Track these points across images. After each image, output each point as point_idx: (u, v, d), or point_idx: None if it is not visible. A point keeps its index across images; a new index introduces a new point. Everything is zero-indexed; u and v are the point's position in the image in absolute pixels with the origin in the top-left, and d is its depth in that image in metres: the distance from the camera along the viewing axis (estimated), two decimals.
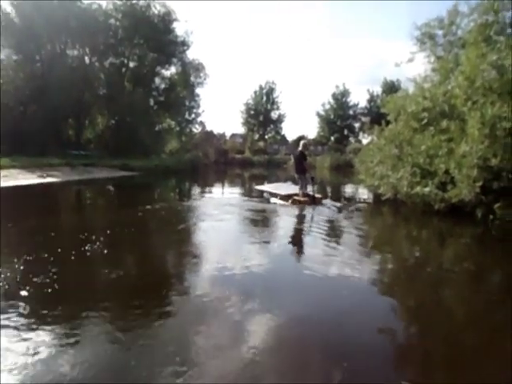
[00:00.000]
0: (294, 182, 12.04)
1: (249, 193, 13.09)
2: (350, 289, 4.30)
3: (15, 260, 4.66)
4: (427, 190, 9.01)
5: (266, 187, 13.67)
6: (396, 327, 3.39)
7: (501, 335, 3.26)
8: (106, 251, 5.51)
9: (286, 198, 11.34)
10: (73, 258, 5.08)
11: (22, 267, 4.48)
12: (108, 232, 6.78)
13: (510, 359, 2.76)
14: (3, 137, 24.28)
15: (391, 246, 6.94)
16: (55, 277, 4.16)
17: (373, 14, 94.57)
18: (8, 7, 26.41)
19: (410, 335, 3.37)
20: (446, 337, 3.19)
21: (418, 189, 9.28)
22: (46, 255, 4.99)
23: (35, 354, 2.61)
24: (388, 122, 12.38)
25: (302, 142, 11.75)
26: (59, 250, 5.35)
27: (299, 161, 11.11)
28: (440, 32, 10.83)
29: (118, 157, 25.12)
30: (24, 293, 3.66)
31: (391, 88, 47.73)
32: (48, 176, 16.25)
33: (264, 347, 2.80)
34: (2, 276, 4.14)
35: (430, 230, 8.64)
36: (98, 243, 5.76)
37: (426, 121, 9.91)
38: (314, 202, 10.66)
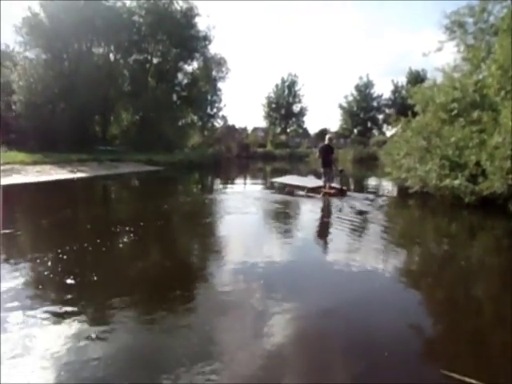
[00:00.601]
0: (316, 176, 11.98)
1: (271, 186, 13.12)
2: (377, 282, 4.29)
3: (54, 250, 4.90)
4: (457, 182, 8.82)
5: (288, 179, 13.65)
6: (423, 322, 3.36)
7: None
8: (135, 244, 5.69)
9: (312, 190, 11.39)
10: (105, 248, 5.30)
11: (61, 257, 4.70)
12: (137, 225, 6.99)
13: None
14: (34, 134, 25.22)
15: (421, 239, 6.85)
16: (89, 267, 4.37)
17: (396, 4, 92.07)
18: (36, 7, 27.25)
19: (437, 331, 3.32)
20: (474, 333, 3.16)
21: (447, 181, 9.10)
22: (79, 246, 5.22)
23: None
24: (414, 114, 12.13)
25: (327, 136, 11.88)
26: (97, 240, 5.58)
27: (326, 154, 11.18)
28: (470, 20, 10.50)
29: (143, 152, 25.59)
30: (70, 281, 3.87)
31: (416, 78, 46.55)
32: (78, 171, 16.78)
33: (286, 341, 2.82)
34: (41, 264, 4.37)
35: (460, 223, 8.48)
36: (128, 236, 5.96)
37: (455, 112, 9.67)
38: (341, 193, 10.83)
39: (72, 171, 16.63)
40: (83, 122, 28.21)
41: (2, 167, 14.89)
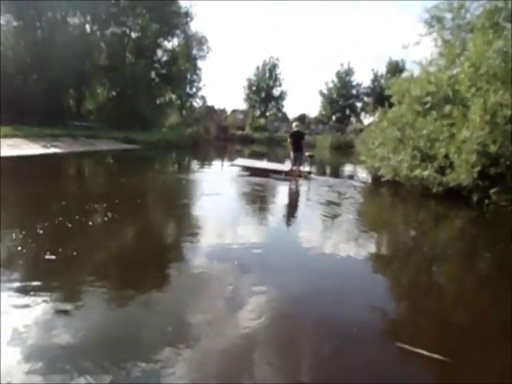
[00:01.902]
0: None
1: (246, 169, 13.40)
2: (345, 266, 4.55)
3: (27, 227, 4.91)
4: (426, 173, 9.25)
5: (248, 163, 14.99)
6: (388, 305, 3.61)
7: (490, 311, 3.59)
8: (108, 222, 5.75)
9: (286, 173, 12.07)
10: (78, 226, 5.35)
11: (35, 233, 4.73)
12: (112, 203, 7.01)
13: (495, 332, 3.08)
14: (4, 106, 24.18)
15: (388, 226, 7.26)
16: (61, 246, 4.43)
17: None
18: None
19: (400, 312, 3.59)
20: (435, 313, 3.44)
21: (417, 172, 9.52)
22: (52, 223, 5.26)
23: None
24: (391, 104, 12.48)
25: (294, 124, 12.90)
26: (71, 217, 5.60)
27: (297, 139, 11.89)
28: (449, 15, 10.80)
29: (119, 129, 25.06)
30: (49, 256, 3.93)
31: (396, 68, 47.30)
32: (51, 146, 16.33)
33: (259, 323, 2.94)
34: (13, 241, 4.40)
35: (427, 211, 8.96)
36: (102, 214, 6.00)
37: (429, 105, 10.05)
38: (306, 177, 11.96)
39: (45, 146, 16.17)
40: (57, 94, 27.23)
41: None
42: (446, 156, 9.13)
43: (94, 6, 28.24)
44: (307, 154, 12.95)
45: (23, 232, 4.69)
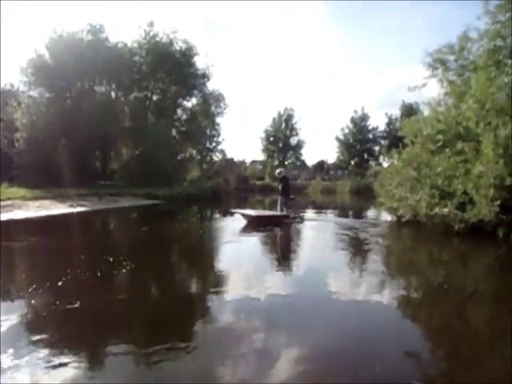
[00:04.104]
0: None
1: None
2: (374, 314, 4.30)
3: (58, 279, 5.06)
4: (446, 210, 9.08)
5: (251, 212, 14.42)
6: (421, 351, 3.37)
7: None
8: (134, 276, 5.85)
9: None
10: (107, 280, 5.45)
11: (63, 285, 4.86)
12: (135, 258, 7.16)
13: None
14: (35, 170, 25.69)
15: (413, 269, 6.92)
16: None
17: (392, 39, 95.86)
18: (42, 49, 28.53)
19: (435, 359, 3.33)
20: (471, 360, 3.22)
21: (437, 209, 9.36)
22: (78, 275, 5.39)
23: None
24: (404, 145, 12.57)
25: (278, 170, 13.80)
26: (96, 273, 5.74)
27: (287, 183, 12.35)
28: (451, 57, 11.14)
29: (142, 186, 25.94)
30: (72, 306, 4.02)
31: (410, 110, 47.84)
32: (78, 206, 17.02)
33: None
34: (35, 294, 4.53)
35: (451, 251, 8.60)
36: (127, 267, 6.12)
37: (441, 143, 10.09)
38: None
39: (72, 206, 16.87)
40: (84, 157, 28.78)
41: (3, 203, 15.16)
42: (465, 192, 8.99)
43: (118, 73, 30.59)
44: (291, 196, 13.03)
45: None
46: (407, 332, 3.82)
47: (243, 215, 12.04)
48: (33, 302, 4.43)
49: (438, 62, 11.32)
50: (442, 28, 70.15)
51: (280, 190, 12.23)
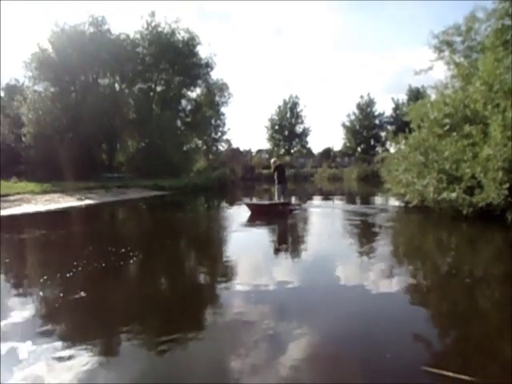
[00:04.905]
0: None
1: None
2: (383, 300, 4.28)
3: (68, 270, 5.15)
4: (454, 195, 8.99)
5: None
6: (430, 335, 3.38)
7: None
8: (144, 265, 5.92)
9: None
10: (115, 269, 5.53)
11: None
12: (146, 247, 7.24)
13: None
14: (43, 164, 25.93)
15: (422, 254, 6.88)
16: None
17: (397, 22, 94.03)
18: (45, 43, 28.52)
19: (444, 343, 3.36)
20: (481, 342, 3.22)
21: (444, 194, 9.27)
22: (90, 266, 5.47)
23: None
24: (411, 130, 12.43)
25: (273, 160, 13.43)
26: (110, 260, 5.82)
27: (283, 172, 12.46)
28: (458, 39, 10.91)
29: (149, 177, 26.10)
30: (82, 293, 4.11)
31: (416, 95, 47.22)
32: (86, 198, 17.19)
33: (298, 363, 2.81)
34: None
35: (460, 235, 8.55)
36: (138, 256, 6.19)
37: (448, 127, 9.95)
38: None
39: (80, 199, 17.04)
40: (90, 150, 28.96)
41: (13, 197, 15.36)
42: (473, 176, 8.88)
43: (121, 65, 30.51)
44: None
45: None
46: (417, 317, 3.79)
47: (247, 205, 12.14)
48: (52, 290, 4.58)
49: (444, 44, 11.10)
50: (450, 9, 68.51)
51: (276, 179, 12.27)
